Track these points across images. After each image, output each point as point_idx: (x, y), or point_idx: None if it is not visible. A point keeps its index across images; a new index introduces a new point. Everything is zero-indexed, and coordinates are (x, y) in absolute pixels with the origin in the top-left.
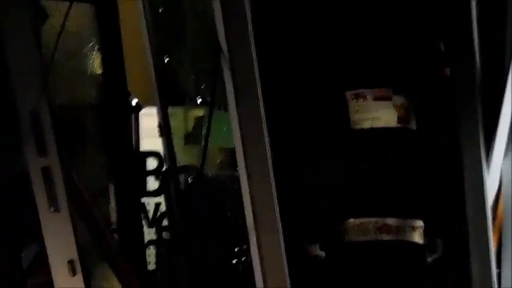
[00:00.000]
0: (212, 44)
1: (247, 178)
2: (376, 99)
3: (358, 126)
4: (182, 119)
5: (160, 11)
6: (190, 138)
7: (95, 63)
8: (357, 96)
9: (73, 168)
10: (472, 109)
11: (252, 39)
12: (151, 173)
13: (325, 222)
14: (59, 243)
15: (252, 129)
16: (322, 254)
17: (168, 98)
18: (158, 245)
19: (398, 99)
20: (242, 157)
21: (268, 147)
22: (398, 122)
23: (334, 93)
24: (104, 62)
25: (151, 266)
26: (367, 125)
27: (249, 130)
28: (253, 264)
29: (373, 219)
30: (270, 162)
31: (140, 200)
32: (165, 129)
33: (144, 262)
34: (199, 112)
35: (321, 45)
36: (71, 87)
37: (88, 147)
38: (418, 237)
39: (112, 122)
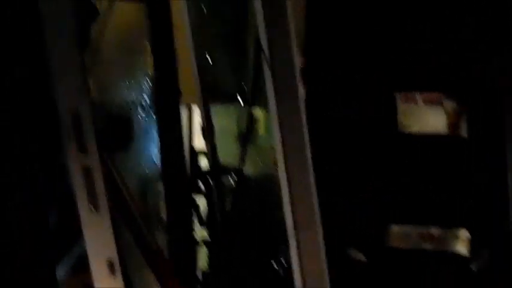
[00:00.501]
0: (253, 43)
1: (287, 179)
2: (426, 103)
3: (405, 130)
4: (232, 118)
5: (203, 9)
6: (240, 137)
7: (147, 62)
8: (407, 99)
9: (119, 166)
10: None
11: (293, 37)
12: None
13: (368, 227)
14: (99, 243)
15: (292, 129)
16: (363, 258)
17: (212, 96)
18: (209, 244)
19: (450, 105)
20: (282, 158)
21: (308, 148)
22: (448, 129)
23: (383, 93)
24: (156, 61)
25: (202, 266)
26: (415, 129)
27: (289, 130)
28: (293, 266)
29: (416, 227)
30: (310, 163)
31: (192, 198)
32: (207, 129)
33: (194, 262)
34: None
35: (372, 43)
36: (122, 85)
37: (139, 145)
38: (462, 248)
39: (164, 120)
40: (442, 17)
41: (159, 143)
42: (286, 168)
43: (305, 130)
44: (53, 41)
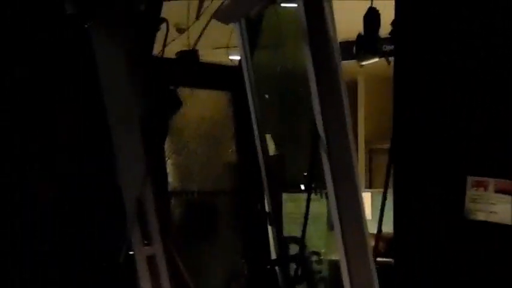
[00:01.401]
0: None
1: (347, 264)
2: (497, 191)
3: (472, 217)
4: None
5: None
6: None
7: (231, 150)
8: (478, 184)
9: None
10: None
11: (349, 125)
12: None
13: None
14: None
15: (350, 214)
16: None
17: (279, 185)
18: None
19: None
20: (341, 242)
21: (367, 233)
22: None
23: (455, 174)
24: (239, 149)
25: None
26: (481, 217)
27: (348, 215)
28: None
29: None
30: (369, 249)
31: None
32: (273, 217)
33: None
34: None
35: (450, 120)
36: (207, 173)
37: (223, 232)
38: None
39: (249, 208)
40: None
41: (244, 228)
42: (346, 253)
43: (363, 214)
44: (119, 133)
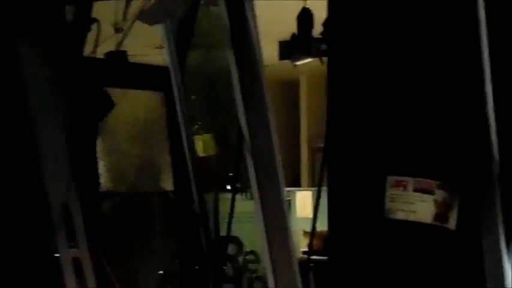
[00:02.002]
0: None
1: (271, 263)
2: (416, 190)
3: (391, 216)
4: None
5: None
6: None
7: (164, 150)
8: (398, 184)
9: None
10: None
11: (272, 123)
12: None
13: None
14: None
15: (274, 213)
16: None
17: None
18: None
19: (441, 195)
20: (265, 241)
21: (290, 232)
22: (434, 220)
23: (374, 175)
24: (173, 150)
25: None
26: (401, 216)
27: (272, 213)
28: None
29: None
30: (293, 245)
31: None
32: (201, 216)
33: None
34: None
35: (376, 120)
36: (140, 174)
37: (155, 232)
38: None
39: (182, 208)
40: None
41: (178, 229)
42: (270, 252)
43: (286, 213)
44: (42, 137)
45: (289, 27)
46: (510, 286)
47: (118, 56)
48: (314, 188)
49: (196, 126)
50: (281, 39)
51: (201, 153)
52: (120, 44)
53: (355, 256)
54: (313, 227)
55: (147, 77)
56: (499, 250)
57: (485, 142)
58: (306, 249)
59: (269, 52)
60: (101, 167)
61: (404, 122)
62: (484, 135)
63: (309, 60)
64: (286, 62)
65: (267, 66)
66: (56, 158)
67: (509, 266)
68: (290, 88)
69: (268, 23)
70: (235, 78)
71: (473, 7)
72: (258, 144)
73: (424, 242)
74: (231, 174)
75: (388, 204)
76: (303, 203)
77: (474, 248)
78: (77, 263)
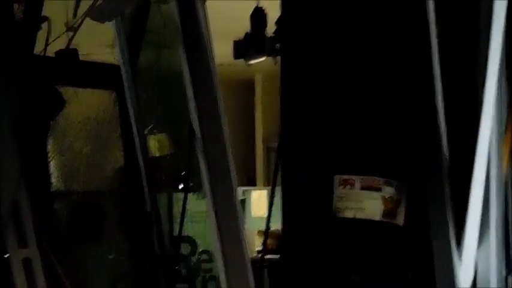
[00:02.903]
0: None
1: (224, 262)
2: (363, 188)
3: (340, 215)
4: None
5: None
6: None
7: (116, 149)
8: (345, 183)
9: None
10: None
11: (224, 122)
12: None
13: None
14: None
15: (226, 211)
16: None
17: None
18: None
19: (388, 192)
20: (218, 242)
21: (243, 231)
22: (382, 216)
23: (323, 173)
24: (125, 149)
25: None
26: (350, 214)
27: (224, 213)
28: None
29: None
30: (245, 244)
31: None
32: (154, 215)
33: None
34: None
35: (325, 120)
36: (92, 173)
37: (108, 232)
38: None
39: (134, 207)
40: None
41: (129, 228)
42: (223, 251)
43: (239, 213)
44: None
45: (245, 26)
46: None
47: (69, 55)
48: (269, 187)
49: (150, 126)
50: (237, 38)
51: (156, 153)
52: (70, 42)
53: (308, 254)
54: (267, 226)
55: (98, 75)
56: (449, 249)
57: (435, 139)
58: (260, 248)
59: (224, 51)
60: (52, 166)
61: (353, 121)
62: (434, 132)
63: (263, 59)
64: (241, 61)
65: (222, 65)
66: (4, 157)
67: (459, 263)
68: (245, 87)
69: (224, 21)
70: (187, 77)
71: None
72: (210, 143)
73: (375, 238)
74: (183, 173)
75: (337, 204)
76: (258, 202)
77: (424, 243)
78: (27, 263)
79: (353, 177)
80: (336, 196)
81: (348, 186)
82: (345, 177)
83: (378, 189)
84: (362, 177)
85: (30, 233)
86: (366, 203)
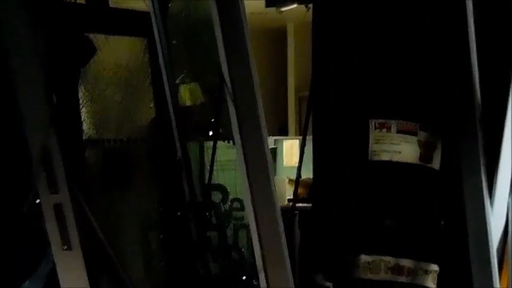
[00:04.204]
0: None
1: (253, 210)
2: (400, 132)
3: (376, 158)
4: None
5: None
6: None
7: (148, 97)
8: (381, 126)
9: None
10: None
11: (254, 70)
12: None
13: (337, 256)
14: (72, 281)
15: (256, 160)
16: (329, 285)
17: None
18: None
19: (424, 136)
20: (248, 190)
21: (273, 179)
22: (419, 160)
23: (357, 118)
24: (156, 96)
25: None
26: (386, 157)
27: (254, 161)
28: None
29: (385, 258)
30: (275, 193)
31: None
32: (184, 163)
33: None
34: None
35: (352, 66)
36: (124, 121)
37: (139, 180)
38: (431, 282)
39: (165, 155)
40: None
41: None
42: (253, 200)
43: (269, 160)
44: (20, 82)
45: None
46: (490, 227)
47: (99, 1)
48: (301, 137)
49: (182, 75)
50: None
51: (187, 101)
52: None
53: (339, 202)
54: (298, 174)
55: (129, 22)
56: (481, 195)
57: (468, 85)
58: (291, 197)
59: None
60: (84, 114)
61: (386, 68)
62: (467, 78)
63: (294, 6)
64: (273, 9)
65: (253, 13)
66: (36, 105)
67: (490, 209)
68: (278, 36)
69: None
70: (217, 26)
71: None
72: (240, 92)
73: (410, 183)
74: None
75: (373, 146)
76: (289, 151)
77: (458, 191)
78: (58, 209)
79: (389, 121)
80: (372, 139)
81: (384, 130)
82: (381, 120)
83: (414, 134)
84: (398, 121)
85: (62, 179)
86: (402, 146)
